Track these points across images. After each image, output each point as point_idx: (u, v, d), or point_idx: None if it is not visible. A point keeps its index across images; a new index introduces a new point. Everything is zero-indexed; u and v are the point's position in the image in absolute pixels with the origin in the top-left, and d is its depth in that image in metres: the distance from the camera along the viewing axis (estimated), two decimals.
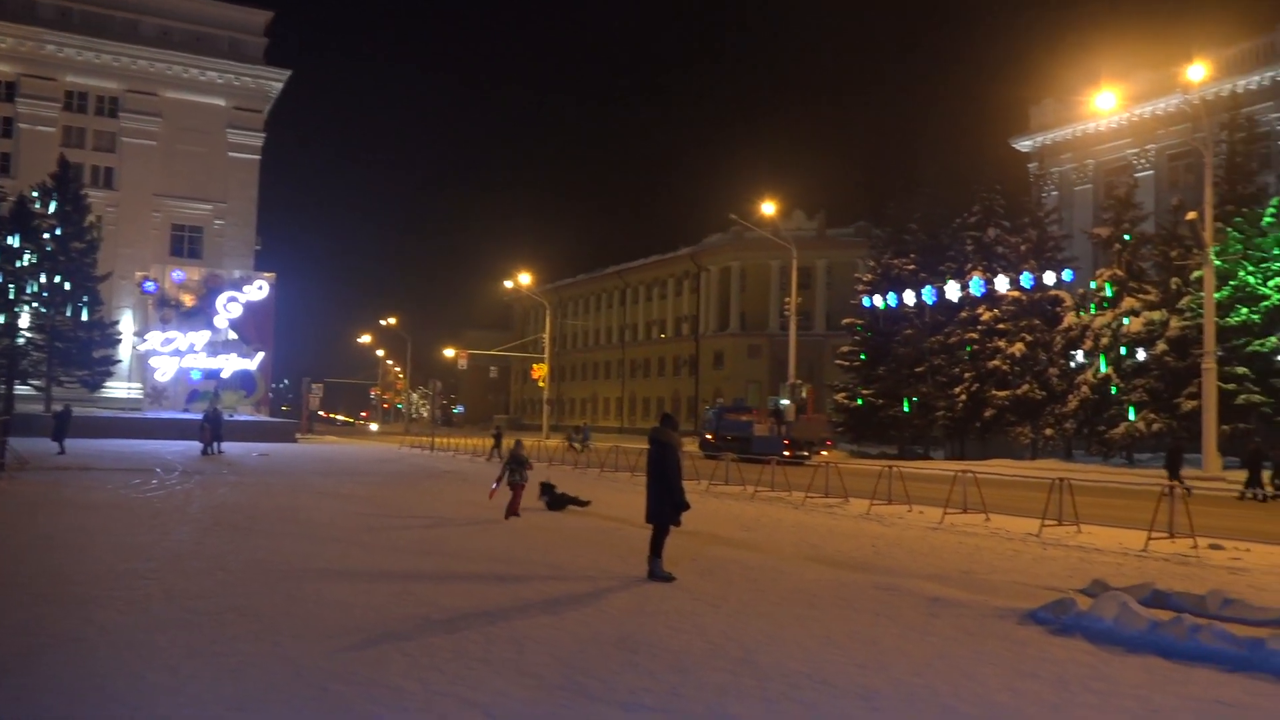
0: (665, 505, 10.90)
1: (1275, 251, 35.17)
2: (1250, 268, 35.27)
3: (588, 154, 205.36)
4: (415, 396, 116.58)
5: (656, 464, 10.97)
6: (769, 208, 48.86)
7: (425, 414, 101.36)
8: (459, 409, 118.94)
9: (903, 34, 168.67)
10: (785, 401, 44.12)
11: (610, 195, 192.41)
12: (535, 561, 12.11)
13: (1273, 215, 35.73)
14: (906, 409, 47.97)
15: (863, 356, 51.58)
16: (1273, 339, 34.57)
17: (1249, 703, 6.37)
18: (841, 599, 9.95)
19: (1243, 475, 28.49)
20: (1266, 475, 24.50)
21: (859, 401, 50.69)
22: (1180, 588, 10.39)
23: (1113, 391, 38.81)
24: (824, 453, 39.72)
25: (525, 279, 73.06)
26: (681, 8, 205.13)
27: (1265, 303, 34.81)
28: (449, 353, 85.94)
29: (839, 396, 52.40)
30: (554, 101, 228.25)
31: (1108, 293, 40.14)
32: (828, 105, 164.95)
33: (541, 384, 76.55)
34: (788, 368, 51.39)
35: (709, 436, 43.24)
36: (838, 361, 54.46)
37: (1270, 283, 34.94)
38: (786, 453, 35.72)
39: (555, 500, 18.37)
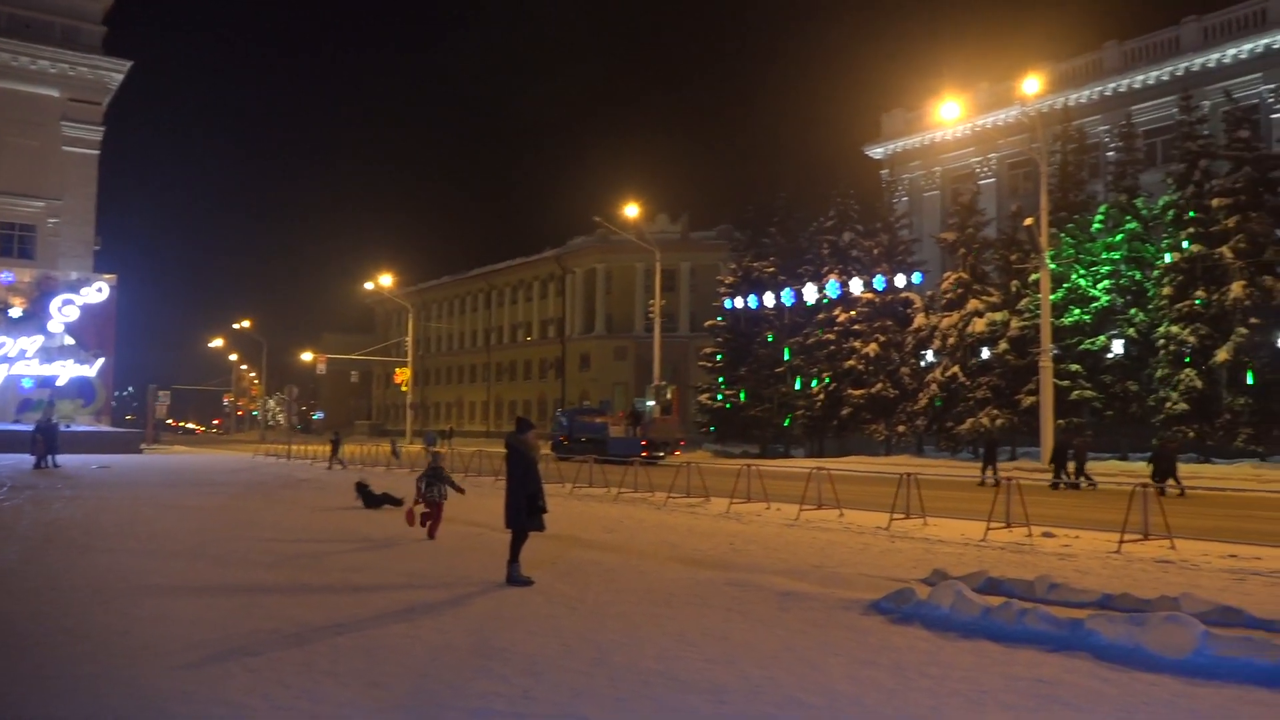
0: (523, 510, 10.89)
1: (1104, 256, 37.53)
2: (1082, 271, 37.51)
3: (451, 155, 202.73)
4: (271, 403, 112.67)
5: (513, 469, 10.95)
6: (633, 210, 49.28)
7: (282, 421, 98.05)
8: (318, 415, 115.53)
9: (764, 42, 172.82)
10: (651, 403, 44.77)
11: (475, 197, 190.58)
12: (392, 570, 11.90)
13: (1101, 222, 38.12)
14: (768, 409, 49.18)
15: (719, 358, 52.56)
16: (1102, 338, 36.85)
17: (1066, 680, 6.80)
18: (697, 596, 10.14)
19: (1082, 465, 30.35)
20: (1072, 465, 26.00)
21: (723, 402, 51.64)
22: (1013, 574, 10.98)
23: (959, 392, 40.68)
24: (677, 452, 40.90)
25: (387, 281, 71.52)
26: (551, 6, 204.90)
27: (1095, 304, 37.09)
28: (307, 357, 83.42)
29: (703, 397, 53.30)
30: (419, 100, 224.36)
31: (954, 295, 42.06)
32: (691, 110, 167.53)
33: (405, 388, 75.06)
34: (653, 369, 52.01)
35: (562, 439, 43.85)
36: (701, 363, 55.36)
37: (1099, 285, 37.25)
38: (644, 453, 36.33)
39: (370, 499, 19.50)
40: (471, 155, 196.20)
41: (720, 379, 52.52)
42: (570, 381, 76.13)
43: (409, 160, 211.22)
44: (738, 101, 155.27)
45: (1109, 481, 24.26)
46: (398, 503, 18.94)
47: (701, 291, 68.65)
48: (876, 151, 54.70)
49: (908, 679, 6.87)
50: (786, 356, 49.01)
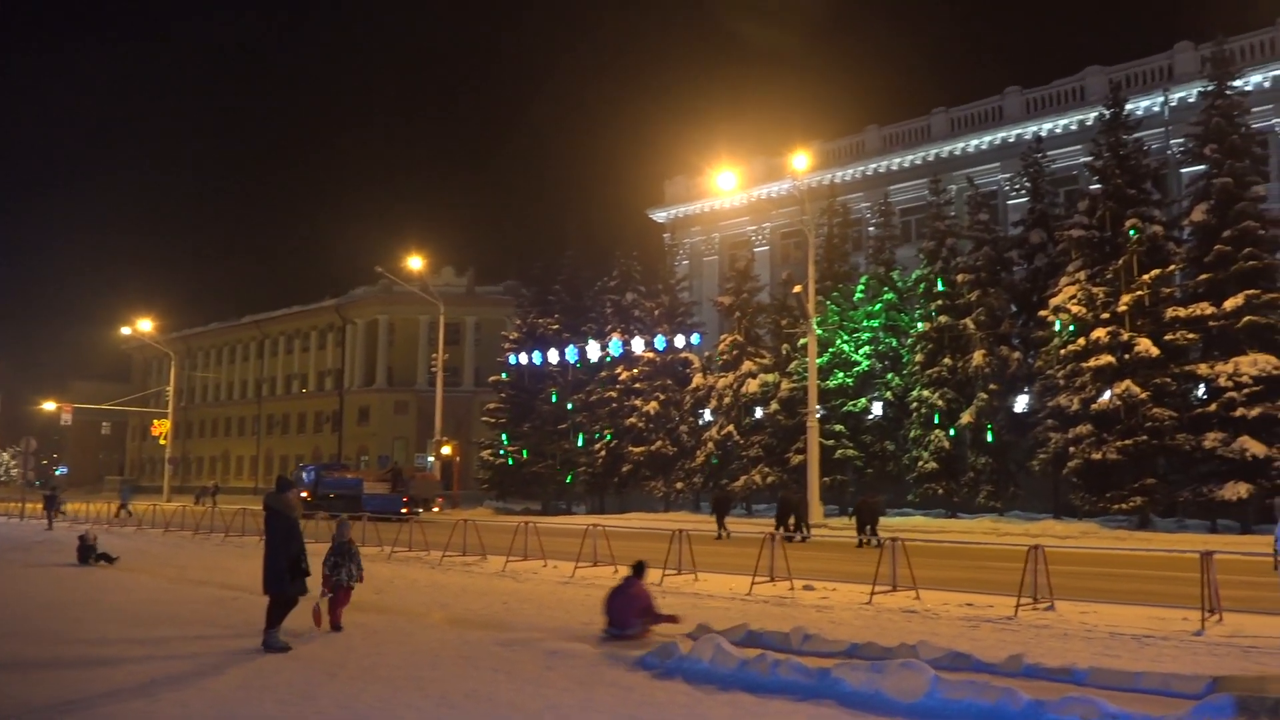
0: (284, 574, 10.39)
1: (865, 323, 40.23)
2: (845, 337, 40.03)
3: (224, 198, 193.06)
4: (5, 456, 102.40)
5: (272, 531, 10.46)
6: (417, 262, 48.64)
7: (15, 476, 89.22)
8: (61, 470, 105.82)
9: (557, 103, 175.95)
10: (431, 459, 44.22)
11: (247, 241, 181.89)
12: (132, 640, 11.02)
13: (862, 291, 40.90)
14: (551, 465, 49.29)
15: (502, 414, 52.41)
16: (863, 400, 39.32)
17: None
18: (464, 657, 9.96)
19: (841, 523, 32.14)
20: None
21: (505, 458, 51.31)
22: (773, 627, 11.43)
23: (734, 450, 42.26)
24: (435, 509, 42.87)
25: (147, 326, 66.89)
26: (334, 60, 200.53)
27: (857, 368, 39.61)
28: (50, 406, 76.51)
29: (485, 453, 52.77)
30: (187, 137, 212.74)
31: (730, 356, 43.82)
32: (481, 165, 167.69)
33: (163, 441, 70.13)
34: (435, 424, 51.06)
35: (305, 495, 42.36)
36: (485, 418, 54.89)
37: (861, 351, 39.85)
38: (405, 510, 37.05)
39: (85, 553, 19.91)
40: (247, 200, 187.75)
41: (503, 435, 52.22)
42: (348, 436, 73.44)
43: (173, 197, 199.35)
44: (528, 159, 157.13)
45: (850, 535, 25.71)
46: (113, 560, 19.55)
47: (486, 346, 68.26)
48: (660, 215, 56.56)
49: None
50: (570, 412, 49.39)
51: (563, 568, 18.91)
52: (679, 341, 45.70)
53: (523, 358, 50.41)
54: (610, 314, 49.56)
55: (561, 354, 48.49)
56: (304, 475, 45.48)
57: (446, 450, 50.29)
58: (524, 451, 50.56)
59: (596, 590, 15.98)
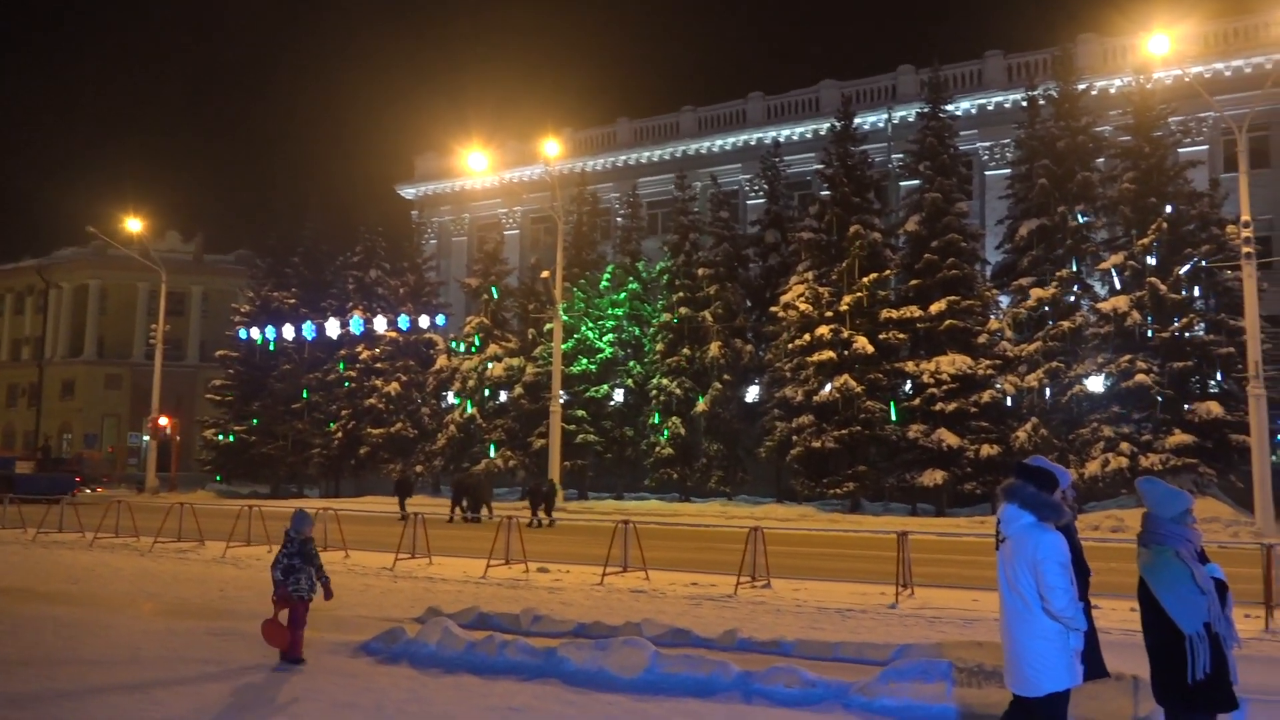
0: None
1: (610, 312, 41.04)
2: (590, 324, 40.67)
3: None
4: None
5: None
6: (137, 224, 44.83)
7: None
8: None
9: (302, 68, 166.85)
10: (146, 438, 41.01)
11: None
12: None
13: (608, 280, 41.70)
14: (282, 446, 46.91)
15: (230, 391, 49.38)
16: (605, 386, 40.14)
17: (536, 705, 7.21)
18: (172, 650, 9.30)
19: (578, 506, 32.77)
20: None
21: (230, 438, 48.33)
22: (505, 609, 11.44)
23: (476, 433, 41.94)
24: (100, 489, 43.38)
25: None
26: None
27: (600, 355, 40.36)
28: None
29: (209, 432, 49.44)
30: None
31: (475, 339, 43.42)
32: (214, 128, 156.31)
33: None
34: (153, 401, 47.36)
35: None
36: (210, 395, 51.36)
37: (605, 338, 40.63)
38: (76, 491, 36.47)
39: None
40: None
41: (230, 414, 49.13)
42: (49, 412, 66.51)
43: None
44: (268, 123, 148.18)
45: (586, 518, 26.31)
46: None
47: (214, 319, 63.88)
48: (409, 192, 55.12)
49: (387, 717, 6.84)
50: (305, 393, 47.21)
51: None
52: (424, 322, 44.78)
53: (255, 332, 47.61)
54: (352, 290, 47.75)
55: (298, 330, 46.23)
56: None
57: (165, 428, 46.80)
58: (252, 431, 47.82)
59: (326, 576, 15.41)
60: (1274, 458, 27.45)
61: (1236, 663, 5.04)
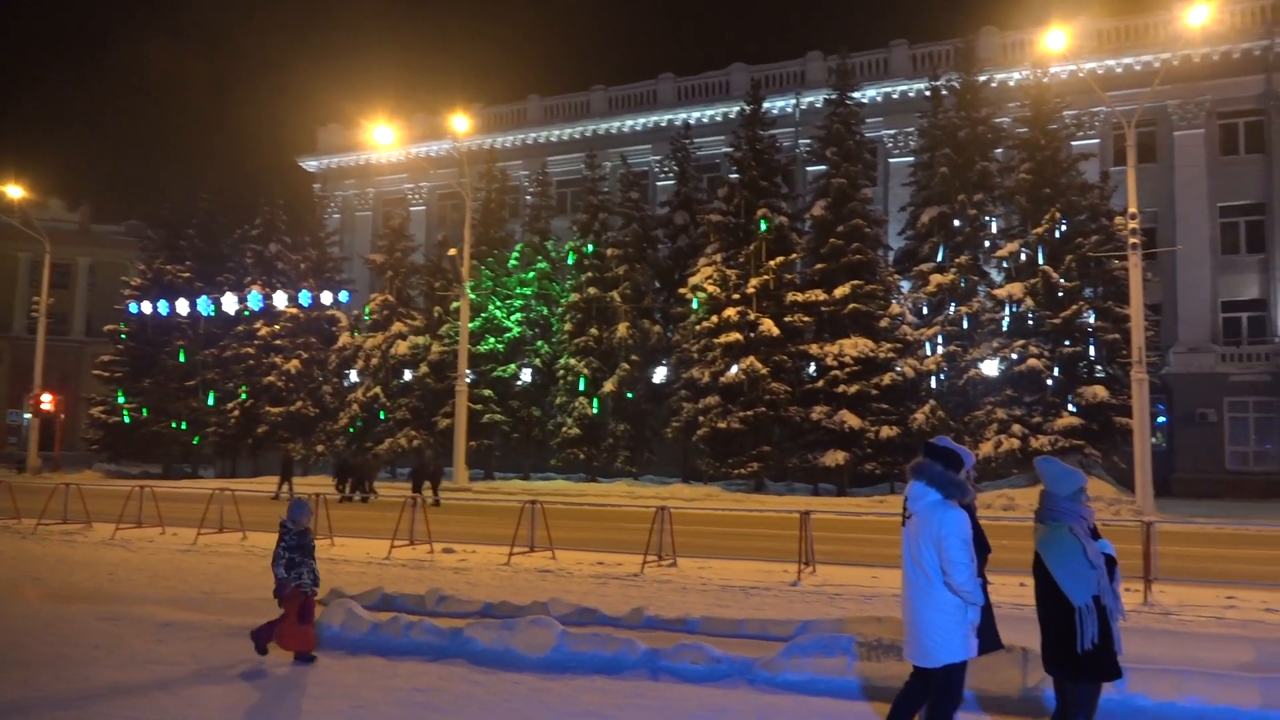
0: None
1: (518, 290, 40.69)
2: (498, 303, 40.28)
3: None
4: None
5: None
6: (17, 191, 42.67)
7: None
8: None
9: (195, 35, 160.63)
10: (28, 416, 39.08)
11: None
12: None
13: (517, 259, 41.33)
14: (175, 425, 45.36)
15: (118, 367, 47.47)
16: (513, 366, 39.85)
17: (440, 686, 7.15)
18: (57, 636, 8.94)
19: (484, 486, 32.57)
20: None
21: (121, 416, 46.52)
22: (411, 590, 11.30)
23: (380, 413, 41.20)
24: None
25: None
26: None
27: (508, 334, 40.02)
28: None
29: (96, 410, 47.47)
30: None
31: (380, 316, 42.60)
32: (103, 91, 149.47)
33: None
34: (35, 376, 45.31)
35: None
36: (98, 371, 49.30)
37: (513, 317, 40.30)
38: None
39: None
40: None
41: (119, 391, 47.25)
42: None
43: None
44: (161, 89, 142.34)
45: (493, 499, 26.17)
46: None
47: (102, 292, 61.25)
48: (311, 164, 53.65)
49: (287, 700, 6.71)
50: (199, 368, 45.71)
51: (183, 535, 17.55)
52: (326, 298, 43.77)
53: (146, 307, 45.84)
54: (251, 265, 46.29)
55: (192, 305, 44.68)
56: None
57: (47, 405, 44.84)
58: (144, 409, 46.04)
59: (220, 558, 15.05)
60: (1154, 440, 28.86)
61: (1121, 634, 5.28)
